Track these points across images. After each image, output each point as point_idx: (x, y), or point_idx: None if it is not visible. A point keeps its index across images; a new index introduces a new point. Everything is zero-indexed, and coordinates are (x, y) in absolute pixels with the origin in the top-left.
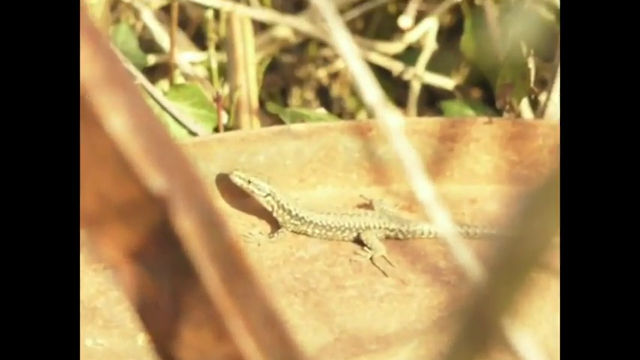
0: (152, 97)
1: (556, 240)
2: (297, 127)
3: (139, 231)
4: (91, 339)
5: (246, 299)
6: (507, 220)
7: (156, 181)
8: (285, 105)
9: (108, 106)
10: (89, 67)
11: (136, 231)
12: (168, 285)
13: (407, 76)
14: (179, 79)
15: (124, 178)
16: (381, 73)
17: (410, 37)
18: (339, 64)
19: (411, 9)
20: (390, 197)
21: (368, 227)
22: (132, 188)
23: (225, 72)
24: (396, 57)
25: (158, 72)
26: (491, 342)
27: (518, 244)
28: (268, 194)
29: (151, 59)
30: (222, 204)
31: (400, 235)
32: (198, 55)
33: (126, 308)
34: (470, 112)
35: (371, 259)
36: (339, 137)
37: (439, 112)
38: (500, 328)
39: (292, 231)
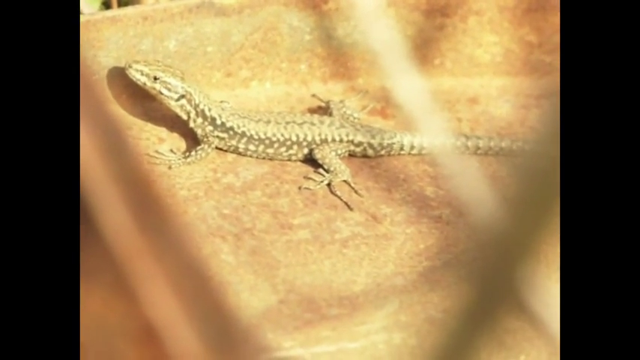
0: None
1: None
2: None
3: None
4: None
5: (155, 248)
6: (526, 129)
7: None
8: None
9: None
10: None
11: None
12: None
13: None
14: None
15: None
16: None
17: None
18: None
19: None
20: (356, 97)
21: (324, 141)
22: None
23: None
24: None
25: None
26: (504, 304)
27: (541, 162)
28: (182, 96)
29: None
30: (116, 110)
31: (370, 152)
32: None
33: None
34: None
35: (329, 185)
36: (281, 12)
37: None
38: (516, 285)
39: (217, 147)
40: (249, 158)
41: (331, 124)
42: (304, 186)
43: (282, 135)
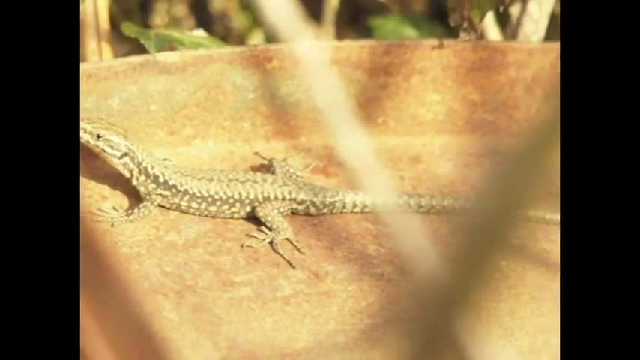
0: None
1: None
2: (166, 56)
3: None
4: None
5: (97, 304)
6: (468, 188)
7: None
8: (147, 25)
9: None
10: None
11: None
12: None
13: None
14: None
15: None
16: None
17: None
18: None
19: None
20: (298, 156)
21: (267, 199)
22: None
23: None
24: None
25: None
26: (444, 357)
27: (482, 219)
28: (125, 154)
29: None
30: None
31: (313, 210)
32: None
33: None
34: (411, 31)
35: (271, 243)
36: (225, 71)
37: (367, 33)
38: (457, 342)
39: (160, 205)
40: (192, 216)
41: (274, 182)
42: (246, 244)
43: (225, 193)
